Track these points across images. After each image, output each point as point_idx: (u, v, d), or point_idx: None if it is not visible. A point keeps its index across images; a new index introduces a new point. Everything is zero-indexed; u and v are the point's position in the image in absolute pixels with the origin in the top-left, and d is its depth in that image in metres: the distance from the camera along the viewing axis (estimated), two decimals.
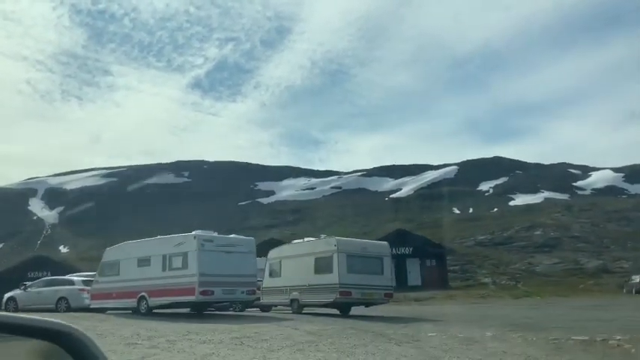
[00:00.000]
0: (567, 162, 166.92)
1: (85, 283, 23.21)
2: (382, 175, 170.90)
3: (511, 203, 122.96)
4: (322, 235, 21.48)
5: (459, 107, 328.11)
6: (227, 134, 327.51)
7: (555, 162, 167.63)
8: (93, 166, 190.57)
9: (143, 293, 19.89)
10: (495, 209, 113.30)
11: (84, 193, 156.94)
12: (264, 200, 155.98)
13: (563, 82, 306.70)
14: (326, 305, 21.22)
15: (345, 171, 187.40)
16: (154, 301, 19.70)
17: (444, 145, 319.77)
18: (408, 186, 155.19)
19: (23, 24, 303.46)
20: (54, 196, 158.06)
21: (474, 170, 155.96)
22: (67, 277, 25.96)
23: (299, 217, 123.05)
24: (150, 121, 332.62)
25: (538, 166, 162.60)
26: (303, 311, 21.62)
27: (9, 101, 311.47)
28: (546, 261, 61.11)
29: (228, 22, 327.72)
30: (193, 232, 19.89)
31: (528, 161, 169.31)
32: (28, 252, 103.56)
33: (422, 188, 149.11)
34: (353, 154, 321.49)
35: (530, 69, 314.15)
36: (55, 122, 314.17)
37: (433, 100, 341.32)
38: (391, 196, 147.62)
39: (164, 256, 19.67)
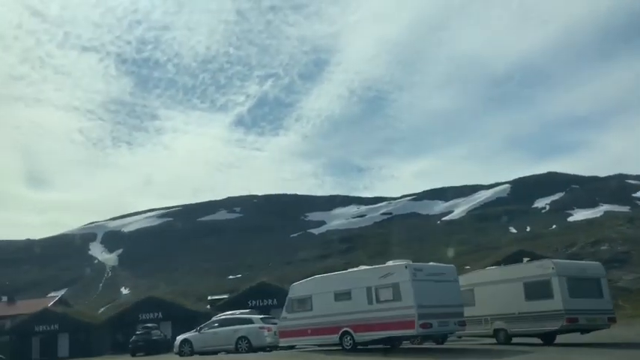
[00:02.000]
0: (624, 173, 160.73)
1: (263, 320, 22.93)
2: (433, 198, 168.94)
3: (570, 219, 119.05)
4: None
5: (503, 125, 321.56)
6: (272, 168, 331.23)
7: (612, 174, 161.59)
8: (147, 208, 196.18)
9: (346, 328, 19.00)
10: (554, 226, 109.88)
11: (141, 235, 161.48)
12: (315, 230, 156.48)
13: (610, 92, 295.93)
14: (542, 334, 19.70)
15: (394, 196, 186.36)
16: (360, 336, 18.74)
17: (493, 164, 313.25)
18: (461, 207, 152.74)
19: (73, 76, 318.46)
20: (113, 239, 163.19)
21: (527, 187, 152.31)
22: (244, 315, 25.56)
23: (351, 246, 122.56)
24: (197, 161, 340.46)
25: (594, 179, 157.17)
26: (513, 341, 19.99)
27: (63, 151, 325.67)
28: (625, 276, 58.47)
29: (267, 59, 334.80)
30: (403, 262, 18.88)
31: (584, 175, 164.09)
32: (91, 296, 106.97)
33: (475, 209, 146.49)
34: (398, 179, 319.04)
35: (574, 81, 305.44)
36: (108, 168, 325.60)
37: (475, 119, 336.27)
38: (443, 218, 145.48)
39: (368, 289, 18.68)
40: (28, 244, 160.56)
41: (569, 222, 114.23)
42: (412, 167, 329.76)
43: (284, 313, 21.48)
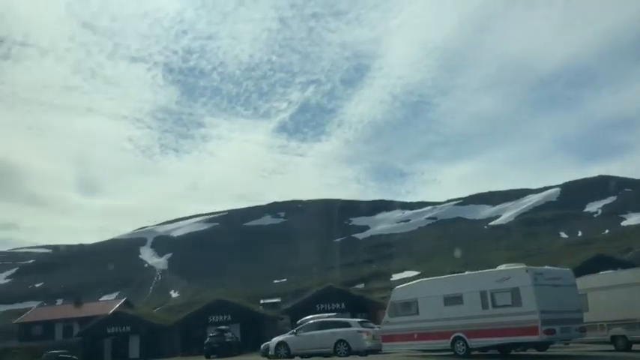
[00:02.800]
0: None
1: (361, 324, 22.71)
2: (479, 203, 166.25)
3: (623, 223, 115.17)
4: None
5: (551, 127, 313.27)
6: (314, 173, 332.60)
7: None
8: (194, 213, 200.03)
9: (459, 334, 18.33)
10: (607, 231, 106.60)
11: (189, 239, 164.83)
12: (360, 235, 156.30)
13: None
14: None
15: (438, 201, 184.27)
16: (474, 341, 18.08)
17: (541, 168, 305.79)
18: (508, 212, 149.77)
19: (122, 86, 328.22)
20: (162, 243, 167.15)
21: (578, 191, 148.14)
22: (341, 319, 25.46)
23: (396, 251, 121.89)
24: (241, 167, 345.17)
25: None
26: (633, 348, 19.09)
27: (114, 159, 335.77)
28: None
29: (309, 65, 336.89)
30: (522, 266, 18.26)
31: (636, 178, 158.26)
32: (142, 299, 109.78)
33: (523, 214, 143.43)
34: (441, 183, 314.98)
35: (622, 81, 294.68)
36: (156, 174, 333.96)
37: (521, 122, 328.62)
38: (490, 223, 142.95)
39: (483, 293, 17.97)
40: (81, 249, 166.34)
41: (623, 226, 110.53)
42: (456, 171, 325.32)
43: (386, 317, 20.97)
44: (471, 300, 18.28)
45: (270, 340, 26.64)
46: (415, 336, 19.58)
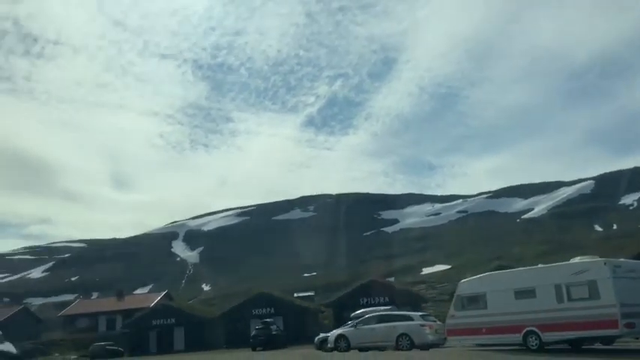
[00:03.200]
0: None
1: (423, 318, 22.69)
2: (511, 196, 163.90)
3: None
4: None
5: (584, 119, 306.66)
6: (342, 167, 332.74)
7: None
8: (224, 207, 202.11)
9: (531, 328, 18.00)
10: None
11: (220, 233, 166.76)
12: (389, 229, 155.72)
13: None
14: None
15: (469, 194, 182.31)
16: (549, 336, 17.71)
17: (574, 160, 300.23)
18: (541, 205, 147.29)
19: (152, 83, 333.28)
20: (194, 237, 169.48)
21: (613, 183, 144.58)
22: (402, 312, 25.46)
23: (426, 245, 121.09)
24: (269, 161, 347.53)
25: None
26: None
27: (146, 154, 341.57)
28: None
29: (336, 59, 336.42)
30: (600, 259, 17.87)
31: None
32: (174, 292, 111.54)
33: (557, 207, 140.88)
34: (471, 176, 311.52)
35: None
36: (187, 170, 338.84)
37: (553, 113, 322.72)
38: (523, 217, 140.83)
39: (557, 286, 17.68)
40: (115, 243, 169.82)
41: None
42: (486, 164, 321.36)
43: (452, 311, 20.82)
44: (544, 293, 17.95)
45: (318, 333, 26.62)
46: (484, 330, 19.34)
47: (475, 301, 19.99)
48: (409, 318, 22.66)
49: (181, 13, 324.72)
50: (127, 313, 63.86)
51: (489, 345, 19.83)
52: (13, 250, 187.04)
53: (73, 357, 51.20)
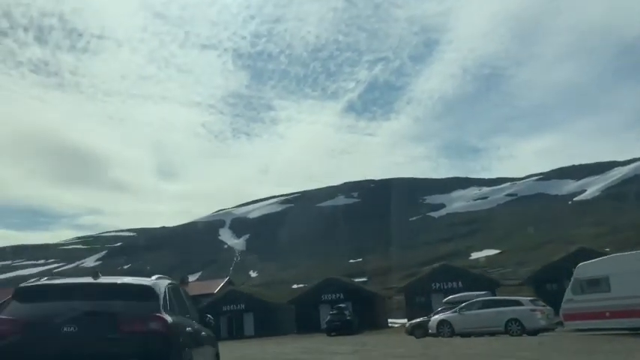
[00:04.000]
0: None
1: (533, 302, 22.17)
2: (562, 178, 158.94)
3: None
4: None
5: (636, 96, 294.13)
6: (384, 152, 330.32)
7: None
8: (266, 195, 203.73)
9: None
10: None
11: (265, 220, 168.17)
12: (435, 214, 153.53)
13: None
14: None
15: (518, 176, 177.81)
16: None
17: (628, 139, 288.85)
18: (594, 186, 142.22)
19: (194, 73, 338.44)
20: (240, 225, 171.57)
21: None
22: (509, 297, 24.91)
23: (474, 229, 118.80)
24: (310, 148, 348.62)
25: None
26: None
27: (189, 144, 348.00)
28: None
29: (376, 43, 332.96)
30: None
31: None
32: (223, 279, 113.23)
33: (610, 187, 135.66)
34: (518, 158, 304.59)
35: None
36: (229, 158, 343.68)
37: (604, 91, 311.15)
38: (575, 199, 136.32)
39: None
40: (164, 232, 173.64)
41: None
42: (534, 145, 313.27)
43: (569, 295, 19.89)
44: None
45: (387, 317, 25.78)
46: (607, 314, 18.41)
47: (596, 284, 19.04)
48: (518, 303, 21.93)
49: (220, 3, 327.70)
50: (193, 300, 64.79)
51: (612, 329, 18.82)
52: (66, 240, 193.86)
53: None
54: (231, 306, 53.62)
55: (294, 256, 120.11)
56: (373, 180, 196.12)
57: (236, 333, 51.45)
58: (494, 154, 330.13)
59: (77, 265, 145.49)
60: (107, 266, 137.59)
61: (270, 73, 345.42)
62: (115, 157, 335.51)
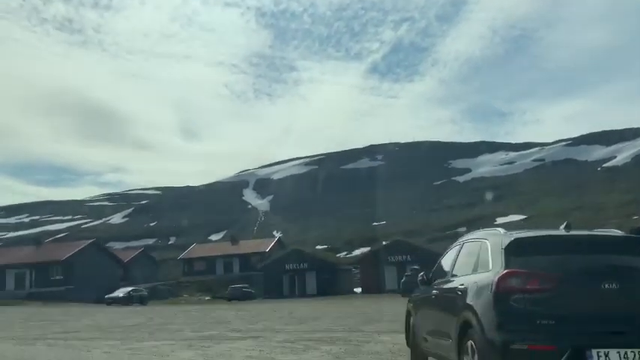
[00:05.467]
0: None
1: None
2: (591, 143, 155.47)
3: None
4: None
5: None
6: (408, 115, 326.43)
7: None
8: (289, 157, 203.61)
9: None
10: None
11: (289, 182, 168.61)
12: (460, 178, 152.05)
13: None
14: None
15: (546, 142, 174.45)
16: None
17: None
18: (624, 152, 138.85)
19: (217, 32, 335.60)
20: (264, 186, 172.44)
21: None
22: None
23: (500, 194, 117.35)
24: (333, 110, 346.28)
25: None
26: None
27: (212, 104, 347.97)
28: None
29: (402, 2, 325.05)
30: None
31: None
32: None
33: None
34: (545, 123, 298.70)
35: None
36: (252, 119, 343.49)
37: (635, 55, 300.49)
38: (604, 165, 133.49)
39: None
40: (189, 191, 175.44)
41: None
42: (563, 110, 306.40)
43: None
44: None
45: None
46: None
47: None
48: None
49: None
50: (244, 258, 66.69)
51: None
52: (92, 197, 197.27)
53: (206, 297, 53.32)
54: (294, 265, 54.31)
55: (318, 218, 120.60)
56: (398, 143, 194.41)
57: (299, 292, 52.20)
58: (519, 118, 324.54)
59: (104, 222, 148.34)
60: (134, 223, 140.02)
61: (293, 33, 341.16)
62: (137, 115, 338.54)
